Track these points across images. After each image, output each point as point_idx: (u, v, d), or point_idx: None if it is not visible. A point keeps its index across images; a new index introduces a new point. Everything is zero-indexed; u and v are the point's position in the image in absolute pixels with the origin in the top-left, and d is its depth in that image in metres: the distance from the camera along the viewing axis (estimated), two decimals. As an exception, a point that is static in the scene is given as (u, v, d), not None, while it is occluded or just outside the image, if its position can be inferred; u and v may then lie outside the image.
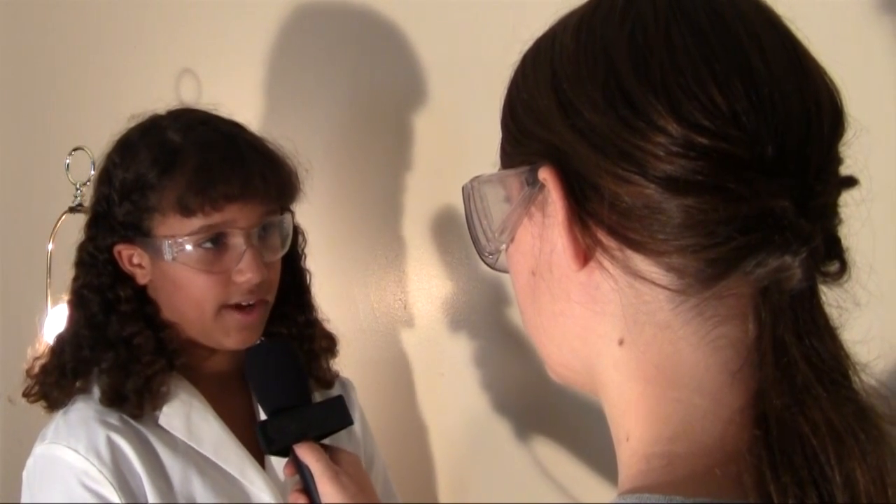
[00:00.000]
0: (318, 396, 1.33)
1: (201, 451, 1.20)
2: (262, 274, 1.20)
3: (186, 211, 1.16)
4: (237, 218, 1.19)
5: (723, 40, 0.55)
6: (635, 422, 0.58)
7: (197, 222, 1.17)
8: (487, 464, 1.66)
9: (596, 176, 0.56)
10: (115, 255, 1.22)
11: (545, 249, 0.61)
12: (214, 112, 1.28)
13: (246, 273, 1.19)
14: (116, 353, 1.19)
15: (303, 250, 1.38)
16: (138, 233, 1.20)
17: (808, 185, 0.54)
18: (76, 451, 1.14)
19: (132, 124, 1.27)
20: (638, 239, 0.55)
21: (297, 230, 1.34)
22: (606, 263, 0.58)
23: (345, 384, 1.45)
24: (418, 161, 1.67)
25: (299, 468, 1.09)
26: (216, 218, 1.17)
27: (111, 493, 1.13)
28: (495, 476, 1.65)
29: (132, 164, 1.20)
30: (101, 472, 1.13)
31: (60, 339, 1.25)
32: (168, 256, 1.18)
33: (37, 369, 1.24)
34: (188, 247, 1.17)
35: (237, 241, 1.19)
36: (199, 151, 1.19)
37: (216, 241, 1.19)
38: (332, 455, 1.11)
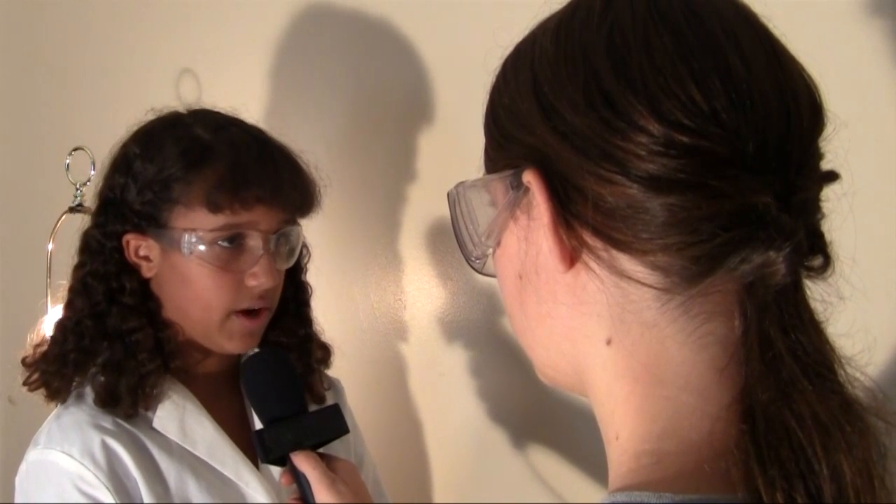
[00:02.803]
0: (311, 407, 1.33)
1: (196, 453, 1.20)
2: (275, 279, 1.21)
3: (214, 207, 1.16)
4: (260, 220, 1.19)
5: (700, 39, 0.55)
6: (624, 420, 0.58)
7: (222, 219, 1.17)
8: (486, 463, 1.66)
9: (579, 177, 0.56)
10: (123, 244, 1.21)
11: (531, 252, 0.62)
12: (236, 115, 1.29)
13: (260, 277, 1.19)
14: (113, 348, 1.19)
15: (306, 264, 1.38)
16: (153, 224, 1.19)
17: (790, 180, 0.54)
18: (70, 455, 1.13)
19: (151, 118, 1.27)
20: (622, 238, 0.56)
21: (303, 244, 1.34)
22: (592, 264, 0.58)
23: (334, 385, 1.45)
24: (419, 162, 1.67)
25: (296, 476, 1.09)
26: (242, 218, 1.18)
27: (107, 497, 1.12)
28: (494, 476, 1.65)
29: (157, 156, 1.20)
30: (96, 476, 1.13)
31: (62, 328, 1.23)
32: (185, 250, 1.17)
33: (37, 357, 1.23)
34: (205, 244, 1.17)
35: (255, 243, 1.20)
36: (232, 150, 1.19)
37: (234, 241, 1.19)
38: (328, 463, 1.11)
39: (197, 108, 1.30)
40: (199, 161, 1.18)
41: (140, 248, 1.22)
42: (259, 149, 1.21)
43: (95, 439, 1.15)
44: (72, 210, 1.52)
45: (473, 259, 0.68)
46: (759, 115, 0.54)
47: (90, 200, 1.30)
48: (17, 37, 2.25)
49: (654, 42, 0.55)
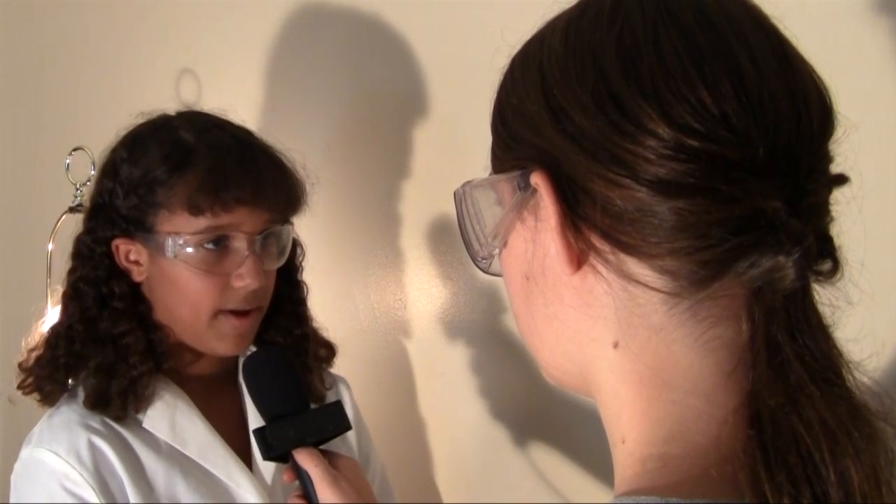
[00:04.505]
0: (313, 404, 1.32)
1: (186, 452, 1.20)
2: (261, 280, 1.20)
3: (195, 210, 1.16)
4: (243, 222, 1.19)
5: (711, 42, 0.55)
6: (630, 424, 0.58)
7: (203, 222, 1.17)
8: (487, 463, 1.65)
9: (587, 180, 0.56)
10: (113, 249, 1.21)
11: (538, 254, 0.61)
12: (224, 117, 1.28)
13: (245, 278, 1.19)
14: (104, 351, 1.19)
15: (300, 263, 1.38)
16: (140, 228, 1.20)
17: (799, 184, 0.54)
18: (57, 454, 1.14)
19: (140, 121, 1.27)
20: (630, 242, 0.55)
21: (295, 243, 1.34)
22: (600, 267, 0.58)
23: (338, 383, 1.45)
24: (419, 161, 1.67)
25: (299, 474, 1.09)
26: (223, 220, 1.17)
27: (92, 496, 1.13)
28: (495, 476, 1.65)
29: (141, 159, 1.20)
30: (81, 475, 1.13)
31: (55, 332, 1.24)
32: (170, 253, 1.17)
33: (31, 361, 1.24)
34: (190, 246, 1.17)
35: (240, 245, 1.20)
36: (214, 152, 1.19)
37: (219, 243, 1.19)
38: (330, 460, 1.11)
39: (185, 109, 1.30)
40: (180, 164, 1.18)
41: (130, 252, 1.22)
42: (240, 150, 1.21)
43: (82, 438, 1.15)
44: (72, 210, 1.52)
45: (479, 259, 0.67)
46: (770, 118, 0.53)
47: (91, 193, 1.30)
48: (18, 37, 2.25)
49: (665, 44, 0.55)
